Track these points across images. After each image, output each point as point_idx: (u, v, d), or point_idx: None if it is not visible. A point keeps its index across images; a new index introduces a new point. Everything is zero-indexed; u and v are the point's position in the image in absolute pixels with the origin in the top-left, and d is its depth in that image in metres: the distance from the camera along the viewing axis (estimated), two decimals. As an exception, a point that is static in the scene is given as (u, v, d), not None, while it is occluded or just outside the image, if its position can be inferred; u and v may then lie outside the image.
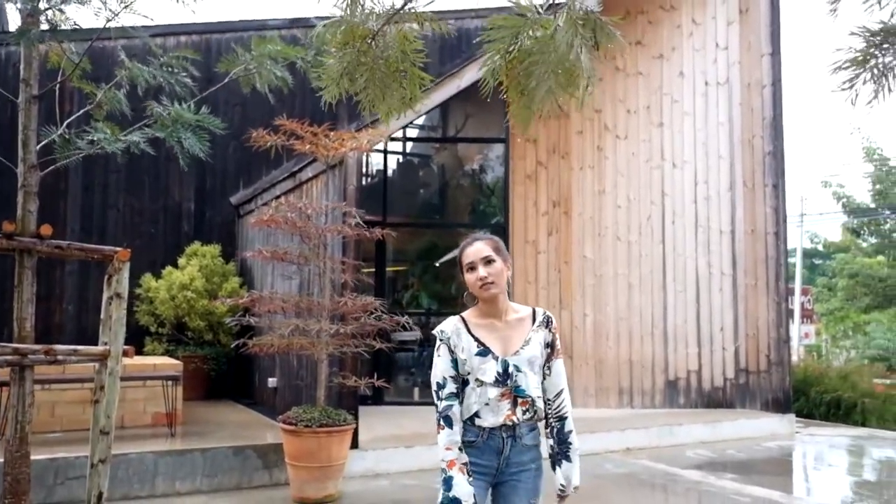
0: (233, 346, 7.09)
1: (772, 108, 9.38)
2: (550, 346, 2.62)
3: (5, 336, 6.19)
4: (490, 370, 2.51)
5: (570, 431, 2.60)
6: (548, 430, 2.63)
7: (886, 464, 7.80)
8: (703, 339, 9.55)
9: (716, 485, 6.38)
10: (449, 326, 2.60)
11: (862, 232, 23.78)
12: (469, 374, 2.53)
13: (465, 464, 2.48)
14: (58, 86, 4.62)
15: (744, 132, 9.68)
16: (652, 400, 9.43)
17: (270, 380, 8.19)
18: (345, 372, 6.22)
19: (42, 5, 4.21)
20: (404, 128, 9.92)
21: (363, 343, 6.03)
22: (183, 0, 4.43)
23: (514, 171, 9.65)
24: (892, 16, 2.89)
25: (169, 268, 9.17)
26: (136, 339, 8.26)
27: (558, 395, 2.60)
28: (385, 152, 10.02)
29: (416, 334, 8.42)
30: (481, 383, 2.51)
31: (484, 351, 2.53)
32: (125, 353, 3.92)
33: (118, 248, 3.93)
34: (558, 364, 2.63)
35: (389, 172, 10.38)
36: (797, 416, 9.57)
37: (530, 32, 2.07)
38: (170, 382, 6.76)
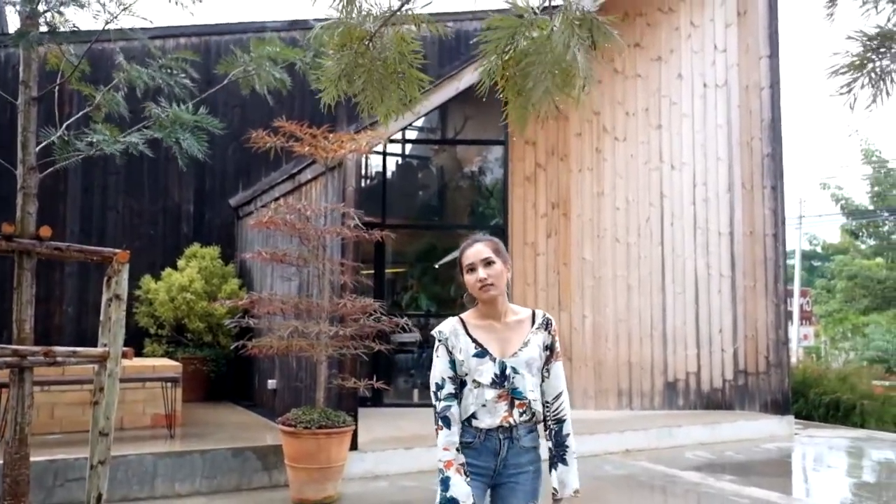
0: (232, 347, 7.08)
1: (770, 110, 9.40)
2: (550, 348, 2.61)
3: (5, 338, 6.19)
4: (487, 371, 2.51)
5: (568, 434, 2.59)
6: (546, 433, 2.62)
7: (885, 465, 7.80)
8: (702, 341, 9.56)
9: (715, 486, 6.38)
10: (447, 327, 2.60)
11: (860, 234, 23.80)
12: (467, 375, 2.53)
13: (462, 464, 2.48)
14: (57, 88, 4.62)
15: (742, 134, 9.70)
16: (651, 401, 9.43)
17: (270, 381, 8.19)
18: (344, 374, 6.22)
19: (41, 7, 4.21)
20: (403, 130, 9.94)
21: (362, 345, 6.04)
22: (181, 2, 4.43)
23: (513, 172, 9.66)
24: (888, 20, 2.90)
25: (168, 269, 9.17)
26: (136, 340, 8.27)
27: (557, 397, 2.60)
28: (384, 154, 10.03)
29: (415, 336, 8.42)
30: (478, 384, 2.51)
31: (481, 352, 2.53)
32: (124, 355, 3.92)
33: (117, 250, 3.93)
34: (557, 366, 2.62)
35: (388, 174, 10.38)
36: (796, 417, 9.58)
37: (527, 33, 2.08)
38: (169, 384, 6.77)
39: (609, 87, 9.73)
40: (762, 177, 9.44)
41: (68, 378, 6.38)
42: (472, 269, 2.57)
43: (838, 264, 23.77)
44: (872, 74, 2.94)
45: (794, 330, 18.82)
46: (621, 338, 9.51)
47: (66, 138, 4.44)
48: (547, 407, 2.60)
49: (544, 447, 2.61)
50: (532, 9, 2.12)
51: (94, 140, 4.39)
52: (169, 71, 4.70)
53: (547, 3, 2.20)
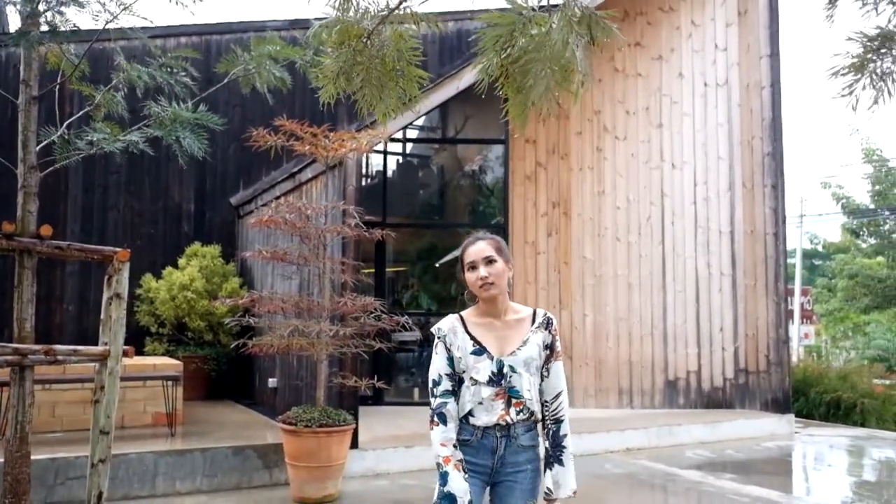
0: (233, 346, 7.10)
1: (771, 109, 9.40)
2: (550, 347, 2.59)
3: (6, 336, 6.20)
4: (484, 369, 2.51)
5: (566, 435, 2.57)
6: (544, 432, 2.61)
7: (886, 464, 7.80)
8: (702, 340, 9.56)
9: (715, 485, 6.39)
10: (446, 324, 2.60)
11: (861, 233, 23.79)
12: (465, 372, 2.53)
13: (460, 461, 2.48)
14: (57, 87, 4.63)
15: (743, 133, 9.70)
16: (651, 400, 9.44)
17: (270, 380, 8.20)
18: (345, 372, 6.23)
19: (41, 7, 4.22)
20: (404, 129, 9.93)
21: (363, 343, 6.04)
22: (181, 2, 4.43)
23: (513, 171, 9.66)
24: (889, 21, 2.90)
25: (169, 268, 9.18)
26: (137, 339, 8.27)
27: (556, 397, 2.58)
28: (385, 153, 10.03)
29: (416, 334, 8.42)
30: (475, 382, 2.51)
31: (479, 350, 2.53)
32: (125, 354, 3.93)
33: (118, 249, 3.93)
34: (557, 366, 2.61)
35: (389, 173, 10.38)
36: (796, 416, 9.58)
37: (525, 30, 2.08)
38: (170, 382, 6.77)
39: (609, 85, 9.73)
40: (763, 176, 9.44)
41: (69, 377, 6.39)
42: (473, 266, 2.57)
43: (839, 263, 23.77)
44: (873, 76, 2.93)
45: (795, 329, 18.81)
46: (622, 336, 9.52)
47: (66, 137, 4.44)
48: (546, 406, 2.59)
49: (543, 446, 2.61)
50: (531, 7, 2.12)
51: (95, 139, 4.39)
52: (169, 70, 4.71)
53: (546, 2, 2.20)
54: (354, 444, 6.30)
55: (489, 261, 2.55)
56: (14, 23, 8.71)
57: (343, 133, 6.36)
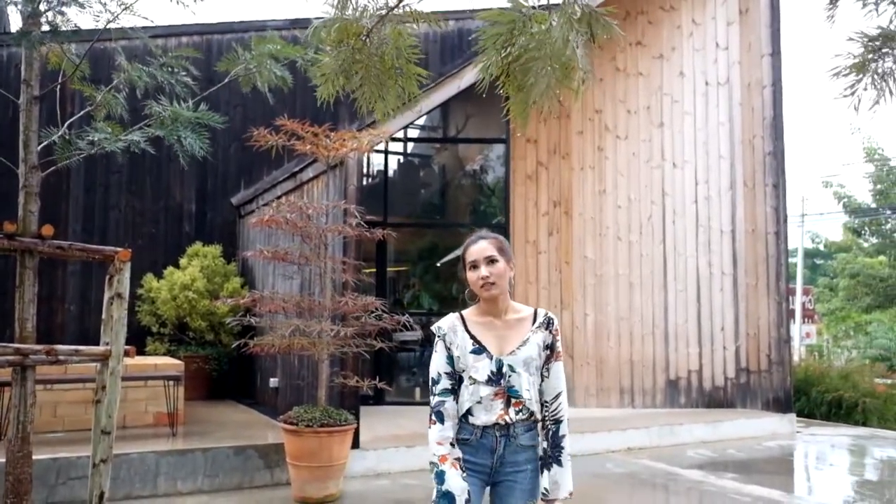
0: (234, 346, 7.09)
1: (772, 108, 9.39)
2: (550, 347, 2.58)
3: (7, 336, 6.20)
4: (483, 368, 2.50)
5: (564, 436, 2.56)
6: (543, 432, 2.59)
7: (888, 463, 7.79)
8: (703, 339, 9.56)
9: (716, 484, 6.38)
10: (446, 323, 2.60)
11: (863, 232, 23.78)
12: (464, 371, 2.53)
13: (457, 459, 2.47)
14: (59, 87, 4.63)
15: (744, 132, 9.69)
16: (653, 399, 9.43)
17: (272, 380, 8.20)
18: (346, 372, 6.23)
19: (42, 7, 4.22)
20: (405, 128, 9.93)
21: (364, 343, 6.04)
22: (182, 2, 4.43)
23: (514, 171, 9.66)
24: (890, 21, 2.89)
25: (170, 268, 9.18)
26: (138, 339, 8.27)
27: (556, 397, 2.57)
28: (386, 153, 10.03)
29: (417, 334, 8.44)
30: (474, 381, 2.50)
31: (479, 349, 2.52)
32: (127, 353, 3.93)
33: (119, 249, 3.94)
34: (557, 366, 2.59)
35: (390, 173, 10.39)
36: (798, 415, 9.56)
37: (526, 28, 2.08)
38: (171, 382, 6.78)
39: (610, 84, 9.72)
40: (764, 175, 9.43)
41: (70, 376, 6.40)
42: (474, 266, 2.56)
43: (840, 262, 23.77)
44: (875, 76, 2.93)
45: (797, 328, 18.80)
46: (623, 336, 9.51)
47: (67, 137, 4.45)
48: (545, 406, 2.57)
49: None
50: (531, 5, 2.12)
51: (96, 138, 4.40)
52: (170, 69, 4.71)
53: (546, 1, 2.20)
54: (356, 444, 6.30)
55: (491, 260, 2.54)
56: (15, 23, 8.72)
57: (344, 132, 6.37)
